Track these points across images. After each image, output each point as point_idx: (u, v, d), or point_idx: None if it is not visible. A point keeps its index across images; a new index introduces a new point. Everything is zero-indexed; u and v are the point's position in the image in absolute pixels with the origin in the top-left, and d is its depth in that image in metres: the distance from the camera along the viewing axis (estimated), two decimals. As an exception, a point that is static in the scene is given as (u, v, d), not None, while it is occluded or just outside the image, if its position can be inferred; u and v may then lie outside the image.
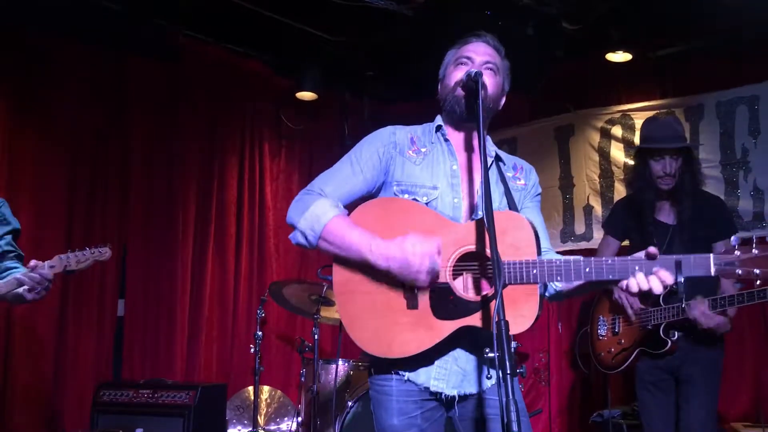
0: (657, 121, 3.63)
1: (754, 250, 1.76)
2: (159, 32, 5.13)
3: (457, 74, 2.16)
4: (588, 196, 5.69)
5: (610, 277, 1.86)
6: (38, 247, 4.53)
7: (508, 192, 2.16)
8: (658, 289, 1.83)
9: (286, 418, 5.38)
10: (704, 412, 3.32)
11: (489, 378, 2.05)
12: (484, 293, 1.97)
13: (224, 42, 5.56)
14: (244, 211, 5.85)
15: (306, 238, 2.07)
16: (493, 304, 1.87)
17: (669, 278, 1.82)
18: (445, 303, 1.96)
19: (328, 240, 2.04)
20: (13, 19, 4.53)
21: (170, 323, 5.23)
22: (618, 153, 5.55)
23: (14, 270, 2.94)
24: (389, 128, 2.25)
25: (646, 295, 3.32)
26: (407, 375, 2.08)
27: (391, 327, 2.01)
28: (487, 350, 1.75)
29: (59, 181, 4.82)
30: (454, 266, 1.98)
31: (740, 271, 1.77)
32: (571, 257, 1.93)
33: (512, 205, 2.14)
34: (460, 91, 2.13)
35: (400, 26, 5.04)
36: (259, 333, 4.83)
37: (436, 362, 2.07)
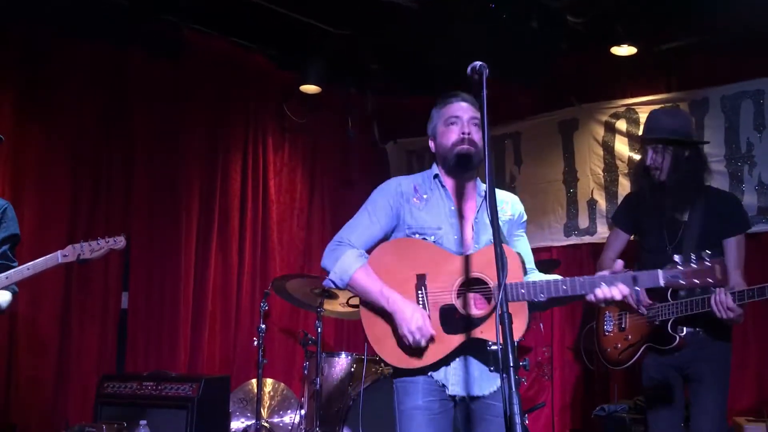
0: (655, 113, 3.61)
1: (692, 265, 2.24)
2: (162, 26, 5.13)
3: (450, 136, 2.55)
4: (592, 191, 5.67)
5: (582, 292, 2.31)
6: (42, 242, 4.54)
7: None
8: (617, 296, 2.27)
9: (289, 411, 5.39)
10: (717, 410, 3.28)
11: (492, 371, 2.28)
12: (483, 310, 2.38)
13: (228, 35, 5.55)
14: (248, 205, 5.85)
15: (335, 284, 2.57)
16: (491, 320, 2.33)
17: (626, 290, 2.27)
18: (451, 320, 2.40)
19: (353, 287, 2.54)
20: (16, 15, 4.53)
21: (174, 316, 5.24)
22: (622, 147, 5.53)
23: None
24: (394, 180, 2.68)
25: (653, 290, 3.34)
26: (431, 373, 2.47)
27: (410, 346, 2.42)
28: (490, 343, 2.05)
29: (63, 176, 4.82)
30: (458, 290, 2.41)
31: (684, 282, 2.24)
32: (551, 278, 2.37)
33: (502, 235, 2.46)
34: (460, 150, 2.52)
35: (405, 19, 5.03)
36: (263, 326, 4.84)
37: (452, 368, 2.46)
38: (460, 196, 2.60)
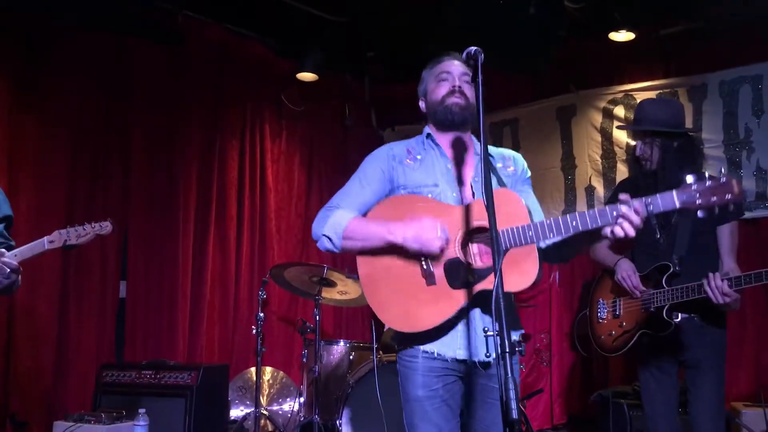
0: (643, 104, 3.60)
1: (707, 182, 2.05)
2: (159, 13, 5.11)
3: (441, 90, 2.47)
4: (590, 177, 5.67)
5: (594, 225, 2.10)
6: (39, 229, 4.52)
7: (500, 181, 2.44)
8: (635, 219, 2.07)
9: (288, 399, 5.41)
10: (715, 396, 3.30)
11: (488, 357, 2.14)
12: (488, 262, 2.24)
13: (225, 23, 5.53)
14: (245, 193, 5.84)
15: (331, 240, 2.39)
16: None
17: (641, 209, 2.07)
18: (458, 274, 2.23)
19: (350, 237, 2.35)
20: (13, 3, 4.50)
21: (172, 305, 5.24)
22: (620, 133, 5.52)
23: None
24: (386, 146, 2.57)
25: (647, 277, 3.34)
26: (436, 351, 2.31)
27: (415, 305, 2.27)
28: (486, 329, 1.97)
29: (60, 164, 4.81)
30: (461, 242, 2.25)
31: (701, 201, 2.05)
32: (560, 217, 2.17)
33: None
34: (450, 101, 2.43)
35: (402, 7, 5.00)
36: (261, 314, 4.84)
37: (458, 331, 2.30)
38: (456, 153, 2.48)
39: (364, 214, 2.45)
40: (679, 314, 3.26)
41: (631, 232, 2.06)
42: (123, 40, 5.13)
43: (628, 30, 5.07)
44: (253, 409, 5.00)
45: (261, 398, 5.15)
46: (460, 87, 2.43)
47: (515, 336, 2.37)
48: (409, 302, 2.27)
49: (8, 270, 2.73)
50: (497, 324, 1.72)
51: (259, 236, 5.92)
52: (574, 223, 2.10)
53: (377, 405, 4.31)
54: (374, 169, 2.49)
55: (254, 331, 4.84)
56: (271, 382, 5.44)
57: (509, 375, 1.63)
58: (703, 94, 5.15)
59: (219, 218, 5.64)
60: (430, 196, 2.38)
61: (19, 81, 4.65)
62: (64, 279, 4.76)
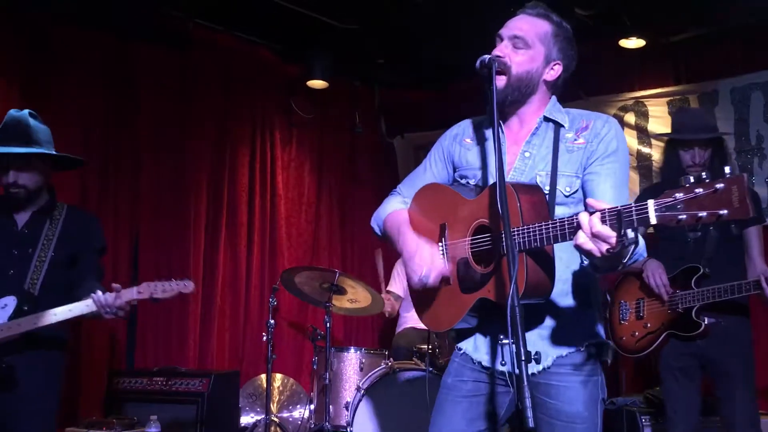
0: (687, 112, 3.66)
1: (697, 190, 1.49)
2: (167, 20, 5.13)
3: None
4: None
5: (561, 232, 1.76)
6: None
7: (555, 157, 2.08)
8: (588, 231, 1.66)
9: (298, 406, 5.40)
10: (751, 405, 3.32)
11: (503, 364, 2.03)
12: (490, 266, 1.96)
13: (234, 30, 5.55)
14: (256, 200, 5.85)
15: (375, 231, 2.38)
16: (497, 275, 1.92)
17: (606, 231, 1.63)
18: (465, 276, 2.04)
19: (385, 233, 2.31)
20: (21, 7, 4.54)
21: (183, 311, 5.24)
22: (631, 140, 5.50)
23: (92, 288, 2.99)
24: (461, 123, 2.34)
25: (673, 279, 3.32)
26: (466, 349, 2.18)
27: (437, 304, 2.16)
28: (501, 337, 1.80)
29: (69, 172, 4.82)
30: (472, 239, 2.03)
31: (684, 216, 1.50)
32: (544, 223, 1.82)
33: (554, 172, 2.06)
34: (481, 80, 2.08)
35: (411, 13, 5.01)
36: (272, 321, 4.84)
37: (487, 336, 2.13)
38: (513, 130, 2.17)
39: None
40: (706, 318, 3.25)
41: (582, 239, 1.67)
42: (132, 47, 5.15)
43: (639, 37, 5.06)
44: (263, 416, 5.00)
45: (271, 405, 5.15)
46: (499, 56, 2.06)
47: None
48: (434, 301, 2.16)
49: (120, 311, 2.99)
50: (513, 333, 1.66)
51: (269, 243, 5.92)
52: (552, 232, 1.78)
53: (388, 412, 4.32)
54: (438, 149, 2.34)
55: (264, 338, 4.84)
56: (281, 389, 5.44)
57: (525, 383, 1.62)
58: (714, 100, 5.13)
59: (230, 225, 5.65)
60: (473, 181, 2.17)
61: (27, 86, 4.64)
62: (75, 286, 4.76)
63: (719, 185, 1.46)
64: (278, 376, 5.44)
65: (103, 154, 5.00)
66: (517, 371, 1.93)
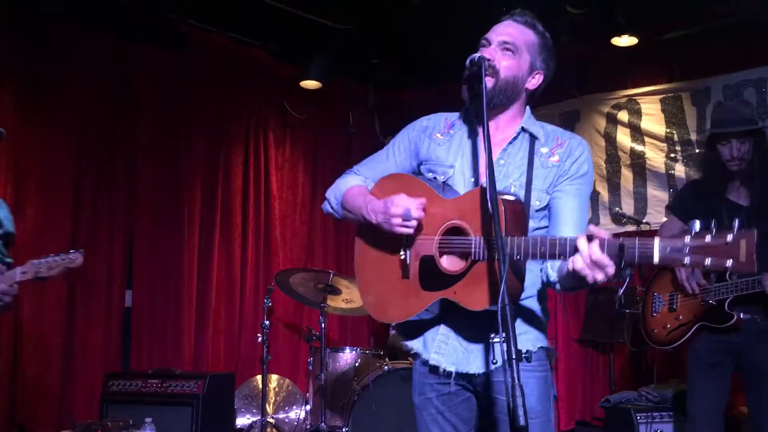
0: (723, 106, 3.62)
1: (706, 238, 1.54)
2: (162, 22, 5.13)
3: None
4: (594, 182, 5.64)
5: (556, 251, 1.77)
6: (45, 238, 4.56)
7: (530, 169, 2.09)
8: (579, 265, 1.68)
9: (294, 407, 5.40)
10: None
11: (495, 363, 2.03)
12: (457, 268, 1.96)
13: (228, 31, 5.55)
14: (250, 201, 5.85)
15: (331, 205, 2.29)
16: (465, 280, 1.93)
17: (602, 259, 1.65)
18: (429, 274, 2.02)
19: (345, 207, 2.22)
20: (20, 9, 4.54)
21: (177, 313, 5.25)
22: (624, 138, 5.52)
23: None
24: (428, 116, 2.32)
25: (709, 272, 3.28)
26: (415, 348, 2.16)
27: (388, 295, 2.13)
28: (492, 335, 1.77)
29: (66, 172, 4.83)
30: (441, 239, 2.01)
31: (688, 260, 1.56)
32: (538, 237, 1.83)
33: (529, 185, 2.07)
34: (465, 81, 2.09)
35: (405, 14, 5.01)
36: (267, 322, 4.84)
37: (438, 335, 2.11)
38: (487, 133, 2.05)
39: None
40: (741, 313, 3.23)
41: (580, 265, 1.68)
42: (128, 49, 5.16)
43: (631, 35, 5.06)
44: (259, 418, 5.00)
45: (267, 406, 5.15)
46: (489, 59, 2.05)
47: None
48: (385, 290, 2.13)
49: (8, 298, 2.77)
50: (503, 331, 1.64)
51: (264, 244, 5.92)
52: (542, 248, 1.78)
53: (383, 412, 4.32)
54: (403, 139, 2.31)
55: (260, 339, 4.84)
56: (277, 390, 5.43)
57: (516, 381, 1.62)
58: (706, 98, 5.14)
59: (224, 226, 5.65)
60: (442, 177, 2.14)
61: (24, 88, 4.67)
62: (70, 288, 4.76)
63: (729, 238, 1.52)
64: (274, 377, 5.43)
65: (98, 156, 5.01)
66: (491, 369, 2.05)
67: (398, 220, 1.99)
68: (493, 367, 2.05)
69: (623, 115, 5.53)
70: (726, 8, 4.84)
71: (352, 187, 2.24)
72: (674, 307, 3.49)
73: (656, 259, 1.59)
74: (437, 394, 2.14)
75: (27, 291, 4.43)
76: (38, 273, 2.85)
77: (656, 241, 1.59)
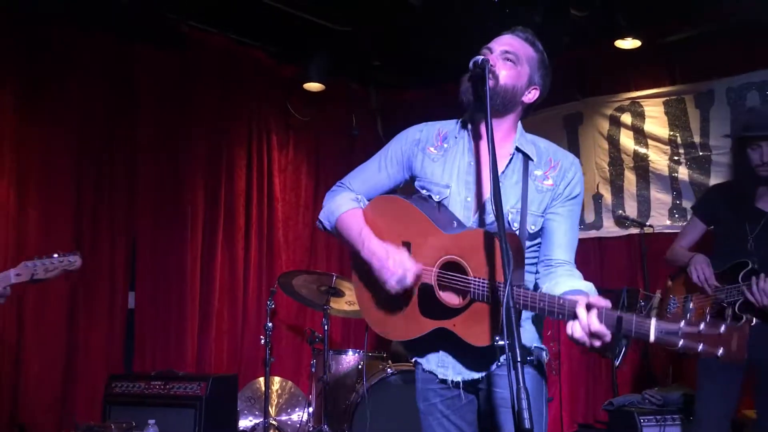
0: (753, 111, 3.61)
1: (700, 326, 1.65)
2: (162, 22, 5.14)
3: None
4: (597, 185, 5.65)
5: (555, 310, 1.84)
6: (49, 239, 4.57)
7: (525, 195, 2.11)
8: (586, 329, 1.75)
9: (297, 409, 5.40)
10: None
11: (500, 365, 2.06)
12: (456, 303, 2.02)
13: (228, 32, 5.55)
14: (253, 203, 5.85)
15: (323, 225, 2.31)
16: (464, 315, 1.98)
17: (600, 328, 1.73)
18: (428, 302, 2.07)
19: (340, 234, 2.24)
20: (20, 9, 4.54)
21: (180, 315, 5.25)
22: (627, 141, 5.52)
23: None
24: (419, 126, 2.31)
25: (723, 275, 3.28)
26: (419, 360, 2.22)
27: (390, 314, 2.17)
28: (497, 338, 1.84)
29: (67, 173, 4.83)
30: (439, 273, 2.05)
31: (681, 343, 1.67)
32: (537, 293, 1.91)
33: (524, 210, 2.10)
34: (466, 81, 2.10)
35: (406, 15, 5.02)
36: (269, 324, 4.84)
37: (439, 353, 2.17)
38: (483, 150, 2.15)
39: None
40: (754, 318, 3.21)
41: (579, 334, 1.76)
42: (129, 49, 5.16)
43: (634, 37, 5.06)
44: (262, 420, 5.00)
45: (270, 408, 5.14)
46: (492, 65, 2.08)
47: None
48: (386, 310, 2.18)
49: (2, 300, 2.76)
50: (509, 335, 1.66)
51: (267, 246, 5.92)
52: (541, 304, 1.85)
53: (387, 414, 4.31)
54: (396, 151, 2.28)
55: (263, 341, 4.84)
56: (279, 392, 5.43)
57: (521, 384, 1.62)
58: (710, 100, 5.14)
59: (227, 228, 5.65)
60: (438, 197, 2.14)
61: (25, 88, 4.66)
62: (72, 290, 4.76)
63: (722, 329, 1.64)
64: (276, 379, 5.43)
65: (99, 157, 5.00)
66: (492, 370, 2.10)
67: (393, 282, 2.03)
68: (495, 367, 2.10)
69: (626, 118, 5.52)
70: (729, 11, 4.84)
71: (346, 213, 2.23)
72: (688, 308, 3.48)
73: (652, 337, 1.68)
74: (441, 398, 2.19)
75: (30, 293, 4.44)
76: (34, 275, 2.83)
77: (653, 321, 1.68)
